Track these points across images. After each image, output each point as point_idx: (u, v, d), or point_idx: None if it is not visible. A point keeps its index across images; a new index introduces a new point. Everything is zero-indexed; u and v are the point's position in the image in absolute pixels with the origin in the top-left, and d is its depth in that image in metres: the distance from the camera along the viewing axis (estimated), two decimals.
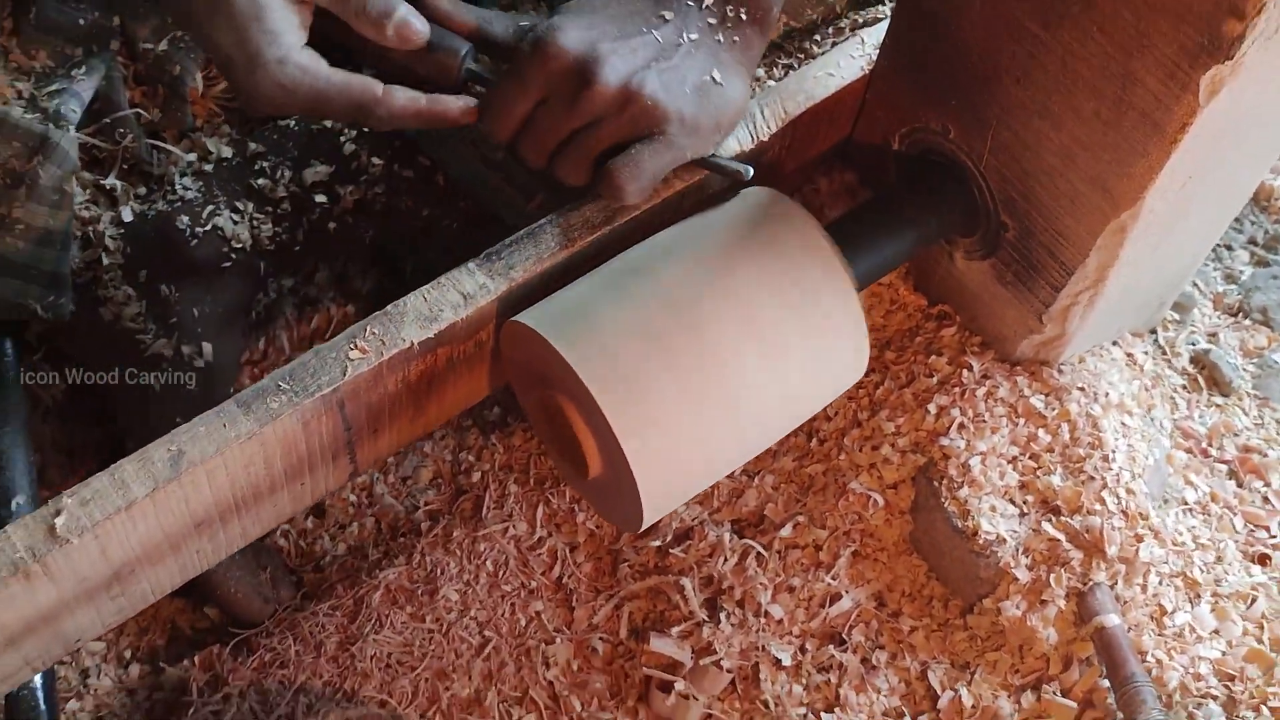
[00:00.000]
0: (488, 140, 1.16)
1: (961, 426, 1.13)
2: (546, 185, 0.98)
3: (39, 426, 1.20)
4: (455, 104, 0.96)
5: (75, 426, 1.23)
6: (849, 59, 1.11)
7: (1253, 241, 1.41)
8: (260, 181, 1.20)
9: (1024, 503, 1.11)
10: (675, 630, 1.15)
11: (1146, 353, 1.23)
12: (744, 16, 1.00)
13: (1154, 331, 1.28)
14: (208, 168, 1.22)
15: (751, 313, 0.95)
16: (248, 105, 0.93)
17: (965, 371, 1.15)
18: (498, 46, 0.99)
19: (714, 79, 0.98)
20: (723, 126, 1.01)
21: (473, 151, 1.19)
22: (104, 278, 1.20)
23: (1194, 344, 1.29)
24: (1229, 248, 1.40)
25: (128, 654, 1.18)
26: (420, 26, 0.95)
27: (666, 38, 0.97)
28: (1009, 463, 1.12)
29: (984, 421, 1.13)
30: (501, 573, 1.19)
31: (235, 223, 1.19)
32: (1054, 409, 1.13)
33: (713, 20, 0.99)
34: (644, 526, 0.98)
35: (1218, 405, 1.25)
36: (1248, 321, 1.32)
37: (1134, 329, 1.23)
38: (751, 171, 1.00)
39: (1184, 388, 1.25)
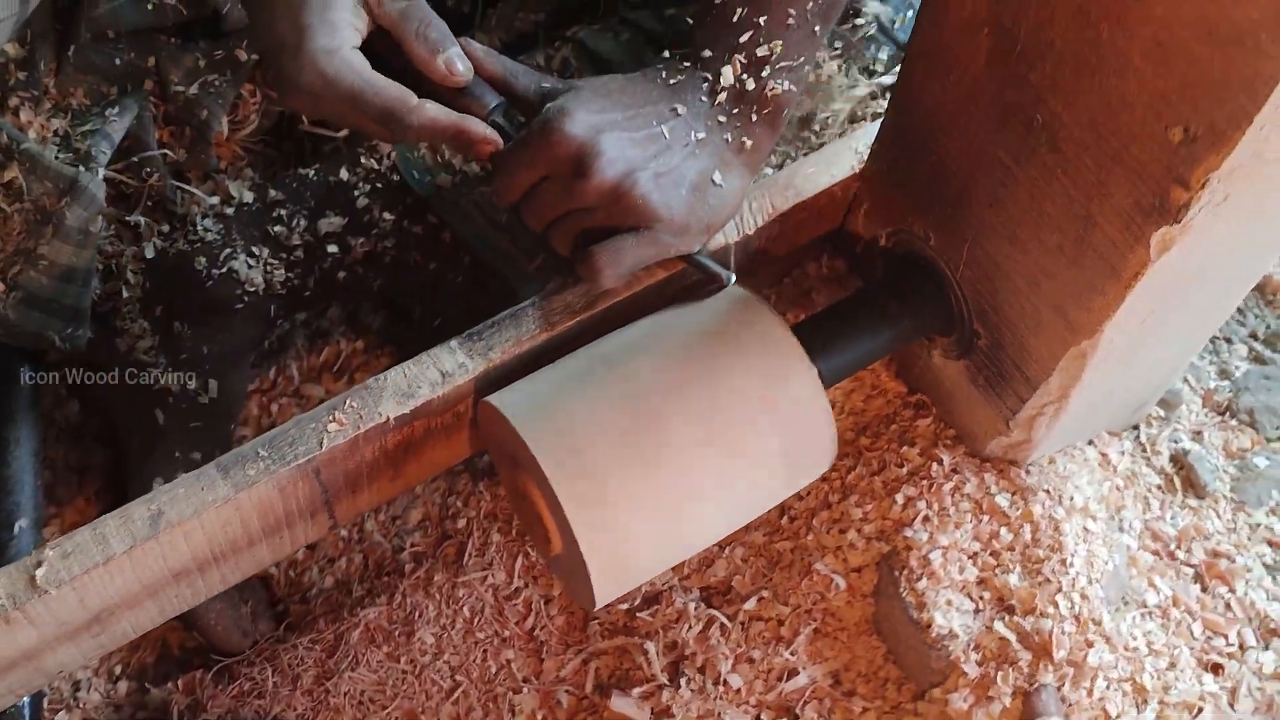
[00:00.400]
0: (493, 203, 1.20)
1: (926, 519, 1.16)
2: (548, 248, 1.02)
3: (52, 446, 1.26)
4: (480, 131, 0.99)
5: (86, 446, 1.29)
6: (840, 157, 1.14)
7: (1253, 336, 1.42)
8: (277, 229, 1.25)
9: (980, 599, 1.14)
10: (637, 691, 1.19)
11: (1124, 451, 1.25)
12: (754, 117, 1.03)
13: (1136, 428, 1.30)
14: (229, 211, 1.27)
15: (716, 413, 0.99)
16: (285, 93, 0.96)
17: (935, 464, 1.18)
18: (519, 101, 1.03)
19: (714, 180, 1.01)
20: (713, 227, 1.04)
21: (479, 213, 1.23)
22: (123, 309, 1.26)
23: (1176, 442, 1.31)
24: (1228, 340, 1.41)
25: (118, 669, 1.24)
26: (464, 67, 0.99)
27: (674, 134, 0.99)
28: (969, 558, 1.15)
29: (949, 516, 1.16)
30: (477, 620, 1.24)
31: (250, 267, 1.25)
32: (1018, 509, 1.16)
33: (723, 118, 1.02)
34: (597, 608, 1.02)
35: (1191, 507, 1.27)
36: (1234, 422, 1.34)
37: (1111, 429, 1.25)
38: (733, 279, 1.04)
39: (1159, 487, 1.27)
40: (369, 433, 1.01)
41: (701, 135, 1.01)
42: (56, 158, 1.21)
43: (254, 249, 1.25)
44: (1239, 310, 1.43)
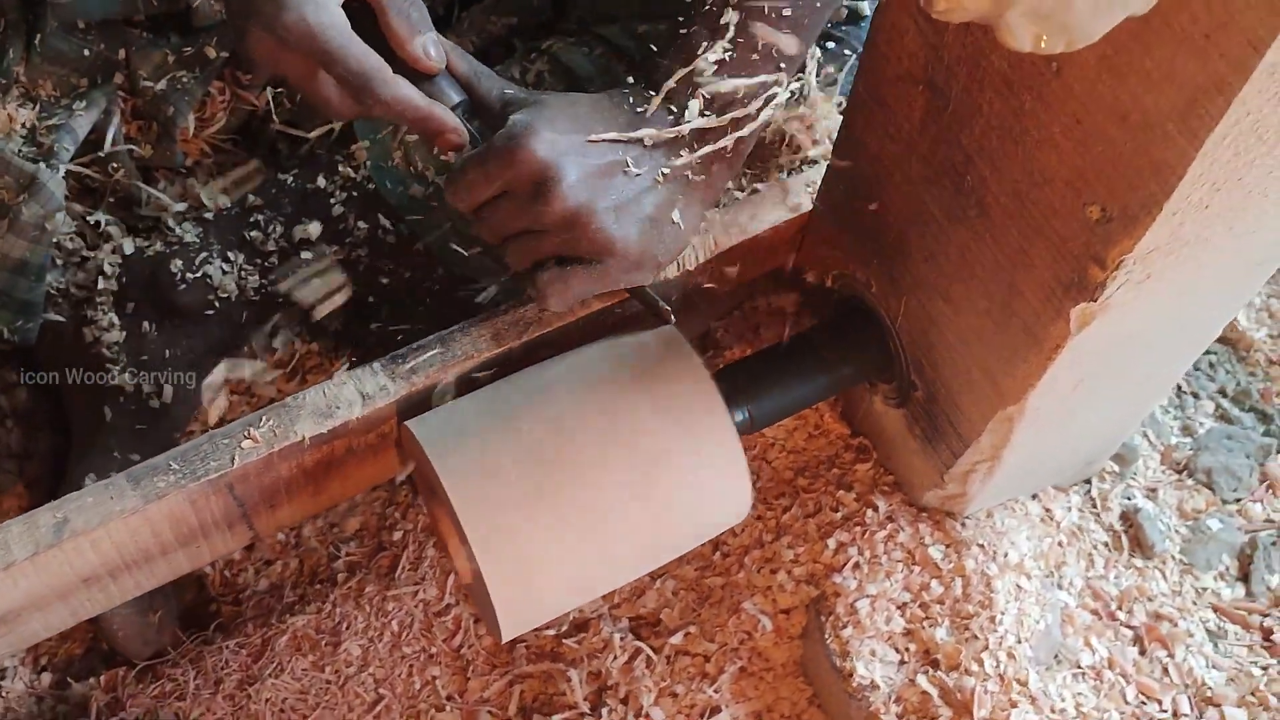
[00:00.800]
0: (457, 214, 1.19)
1: (857, 566, 1.15)
2: (502, 263, 1.01)
3: None
4: (450, 121, 0.98)
5: (29, 432, 1.29)
6: (791, 194, 1.12)
7: (1222, 392, 1.40)
8: (253, 234, 1.25)
9: (906, 650, 1.13)
10: (558, 717, 1.19)
11: (1070, 506, 1.23)
12: (715, 153, 1.01)
13: (1088, 482, 1.28)
14: (208, 216, 1.26)
15: (631, 455, 0.98)
16: (253, 30, 0.94)
17: (870, 511, 1.16)
18: (480, 104, 1.02)
19: (672, 217, 1.00)
20: (665, 263, 1.03)
21: (450, 225, 1.21)
22: (96, 300, 1.26)
23: (1129, 499, 1.29)
24: (1195, 395, 1.39)
25: (44, 660, 1.24)
26: (437, 55, 0.98)
27: (636, 163, 0.98)
28: (898, 609, 1.13)
29: (880, 564, 1.14)
30: (406, 634, 1.23)
31: (225, 273, 1.24)
32: (951, 562, 1.14)
33: (684, 152, 1.00)
34: (505, 640, 1.01)
35: (1137, 567, 1.25)
36: (1191, 481, 1.31)
37: (1059, 483, 1.23)
38: (673, 318, 1.02)
39: (1106, 544, 1.25)
40: (284, 451, 1.00)
41: (665, 170, 0.99)
42: (19, 152, 1.21)
43: (230, 254, 1.24)
44: (1209, 365, 1.41)
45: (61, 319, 1.24)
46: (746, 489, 1.02)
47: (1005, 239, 0.89)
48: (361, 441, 1.05)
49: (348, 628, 1.24)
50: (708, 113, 1.00)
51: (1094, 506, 1.27)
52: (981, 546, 1.15)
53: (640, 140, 0.99)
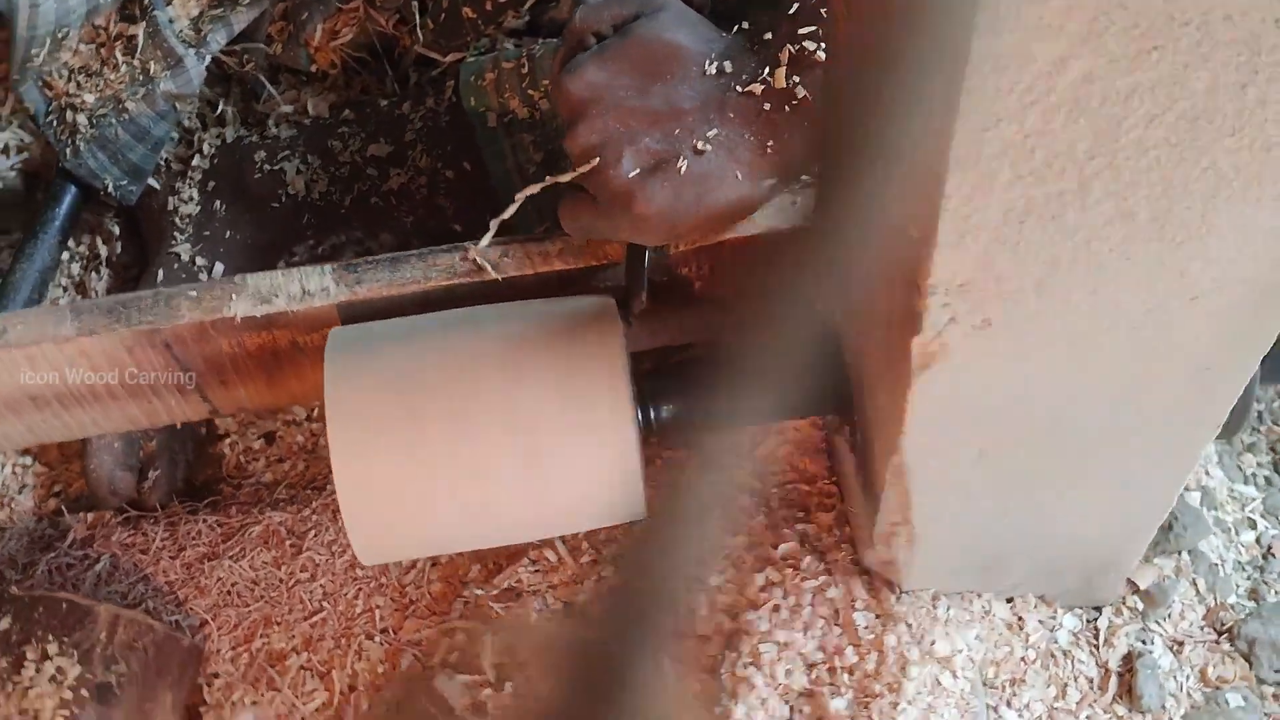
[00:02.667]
0: (527, 152, 1.21)
1: (776, 609, 1.08)
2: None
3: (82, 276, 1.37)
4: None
5: (127, 284, 1.39)
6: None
7: None
8: (334, 143, 1.31)
9: (799, 711, 1.05)
10: (465, 678, 1.17)
11: (1056, 625, 1.11)
12: (793, 124, 0.92)
13: (1099, 610, 1.14)
14: (306, 121, 1.34)
15: (519, 412, 0.96)
16: None
17: (810, 558, 1.09)
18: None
19: (720, 181, 0.92)
20: (688, 232, 0.94)
21: (513, 158, 1.23)
22: (188, 174, 1.35)
23: (1145, 643, 1.15)
24: (1270, 555, 1.22)
25: (57, 489, 1.33)
26: None
27: (698, 116, 0.92)
28: (806, 666, 1.05)
29: (800, 614, 1.07)
30: None
31: (299, 172, 1.31)
32: (873, 634, 1.05)
33: (758, 117, 0.91)
34: (363, 562, 1.01)
35: (1118, 715, 1.11)
36: (1228, 646, 1.15)
37: (1046, 596, 1.11)
38: (643, 304, 0.99)
39: (1090, 680, 1.12)
40: (217, 324, 1.04)
41: (726, 130, 0.91)
42: (179, 33, 1.32)
43: (309, 157, 1.31)
44: None
45: (157, 186, 1.34)
46: (638, 487, 0.97)
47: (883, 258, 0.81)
48: (308, 341, 1.08)
49: (315, 536, 1.27)
50: (795, 78, 0.91)
51: (1095, 637, 1.14)
52: (909, 626, 1.05)
53: (715, 93, 0.92)
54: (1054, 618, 1.11)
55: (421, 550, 1.02)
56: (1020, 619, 1.10)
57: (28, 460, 1.35)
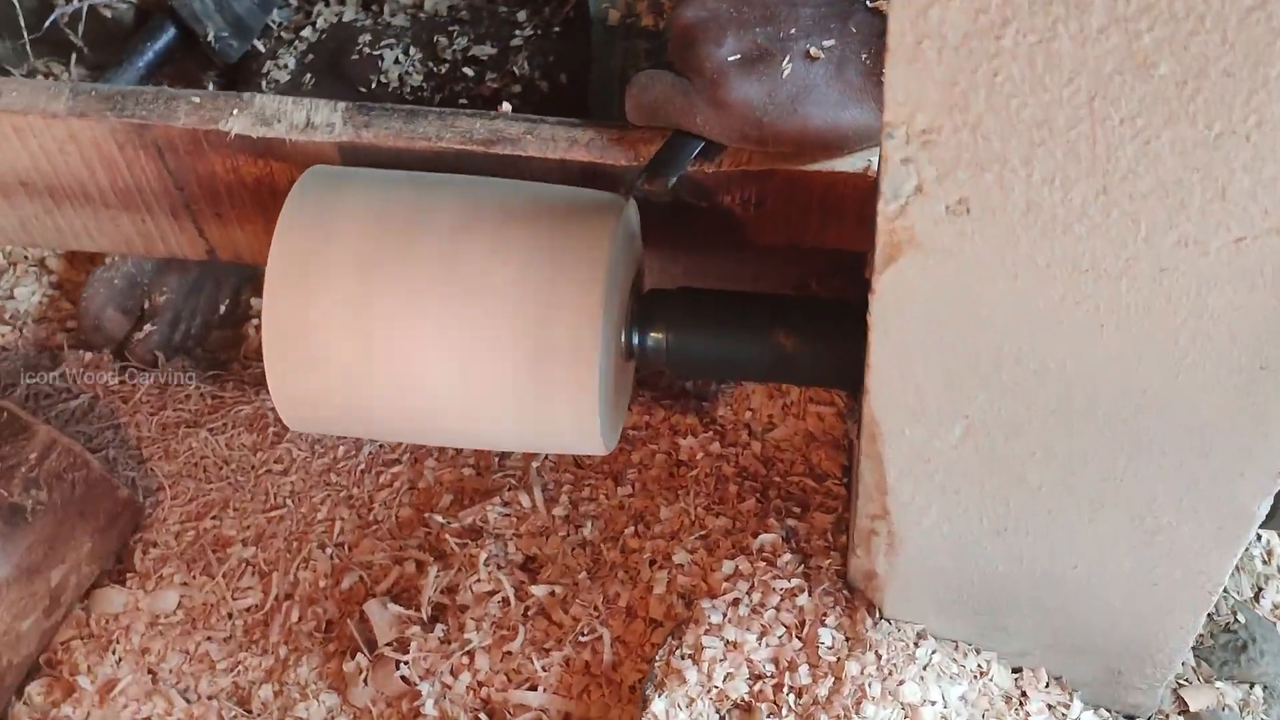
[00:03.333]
0: (637, 59, 1.12)
1: (735, 603, 0.91)
2: None
3: None
4: None
5: None
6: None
7: None
8: (440, 39, 1.24)
9: None
10: (398, 609, 1.04)
11: (1068, 714, 0.91)
12: None
13: None
14: (423, 15, 1.27)
15: (476, 294, 0.84)
16: None
17: (789, 556, 0.92)
18: None
19: (819, 93, 0.84)
20: (767, 137, 0.86)
21: (620, 63, 1.14)
22: (292, 44, 1.29)
23: None
24: None
25: (71, 324, 1.27)
26: None
27: (812, 22, 0.85)
28: (751, 676, 0.89)
29: (760, 615, 0.91)
30: (342, 465, 1.14)
31: (397, 62, 1.24)
32: (836, 656, 0.88)
33: (875, 38, 0.85)
34: (287, 423, 0.90)
35: None
36: None
37: (1055, 674, 0.91)
38: (661, 192, 0.87)
39: None
40: (212, 138, 0.95)
41: (843, 44, 0.85)
42: None
43: (412, 49, 1.24)
44: None
45: (262, 50, 1.28)
46: (593, 412, 0.84)
47: None
48: None
49: (302, 435, 1.16)
50: None
51: None
52: (879, 657, 0.87)
53: (838, 3, 0.86)
54: (1067, 707, 0.91)
55: (349, 425, 0.90)
56: (1024, 694, 0.90)
57: (54, 292, 1.29)
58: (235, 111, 0.95)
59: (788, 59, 0.84)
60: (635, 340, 0.89)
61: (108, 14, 1.30)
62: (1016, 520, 0.78)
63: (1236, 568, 1.00)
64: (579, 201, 0.88)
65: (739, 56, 0.84)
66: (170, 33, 1.27)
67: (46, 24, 1.28)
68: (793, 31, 0.84)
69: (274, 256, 0.85)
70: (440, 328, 0.83)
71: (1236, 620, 0.98)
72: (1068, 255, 0.60)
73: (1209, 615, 0.97)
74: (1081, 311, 0.63)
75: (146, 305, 1.21)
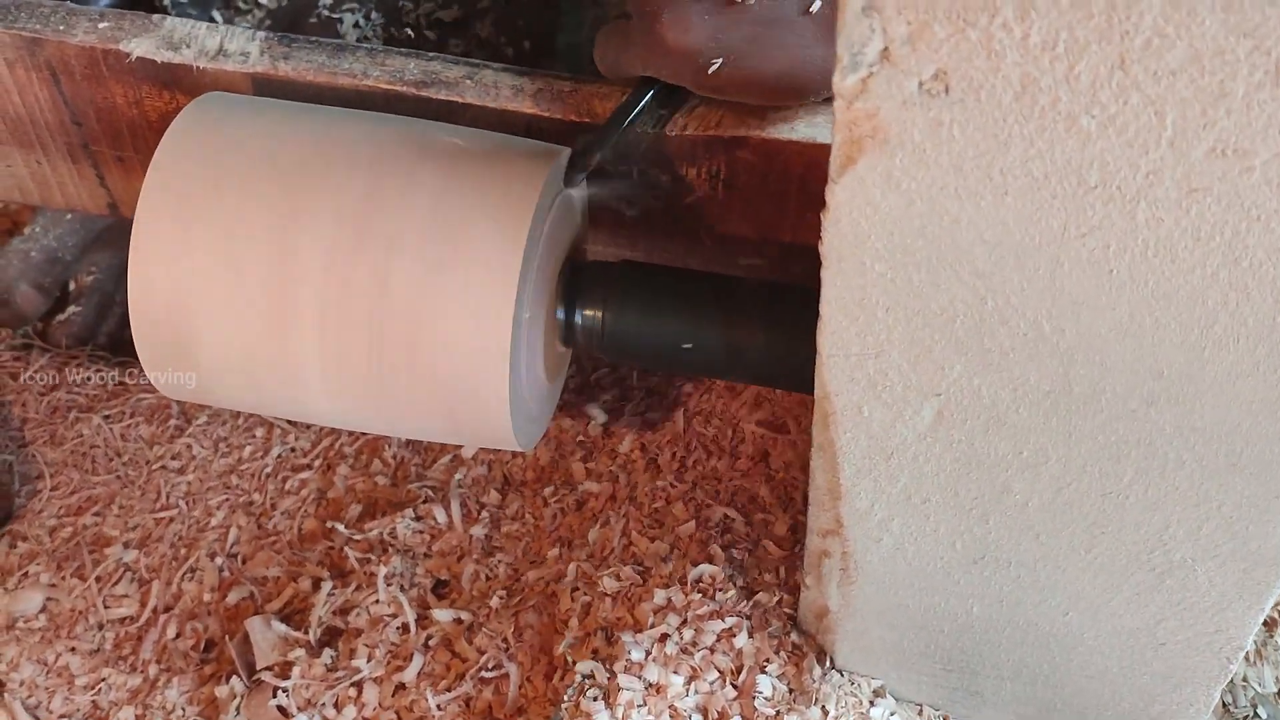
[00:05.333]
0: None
1: (663, 639, 0.77)
2: None
3: None
4: None
5: None
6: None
7: None
8: (404, 2, 1.13)
9: None
10: (283, 630, 0.90)
11: None
12: None
13: None
14: None
15: (380, 240, 0.71)
16: None
17: (731, 592, 0.78)
18: None
19: (794, 39, 0.72)
20: (724, 85, 0.73)
21: (586, 33, 1.04)
22: (254, 11, 1.18)
23: None
24: None
25: None
26: None
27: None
28: None
29: (689, 658, 0.76)
30: (247, 467, 1.01)
31: (356, 26, 1.13)
32: (773, 709, 0.73)
33: None
34: (154, 383, 0.77)
35: None
36: None
37: None
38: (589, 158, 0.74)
39: None
40: (111, 60, 0.83)
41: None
42: None
43: (373, 14, 1.13)
44: None
45: (219, 21, 1.17)
46: (502, 398, 0.70)
47: None
48: None
49: (206, 427, 1.03)
50: None
51: None
52: (825, 712, 0.72)
53: None
54: None
55: (220, 392, 0.76)
56: None
57: None
58: (140, 34, 0.83)
59: (752, 24, 0.71)
60: (565, 317, 0.75)
61: None
62: (997, 545, 0.63)
63: (1258, 655, 0.85)
64: (510, 145, 0.75)
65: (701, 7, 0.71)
66: None
67: None
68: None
69: (146, 190, 0.72)
70: (330, 273, 0.70)
71: (1256, 715, 0.82)
72: (1072, 164, 0.46)
73: (1223, 704, 0.82)
74: (1086, 249, 0.49)
75: (72, 285, 1.08)
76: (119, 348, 1.11)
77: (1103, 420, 0.56)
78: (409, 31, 1.11)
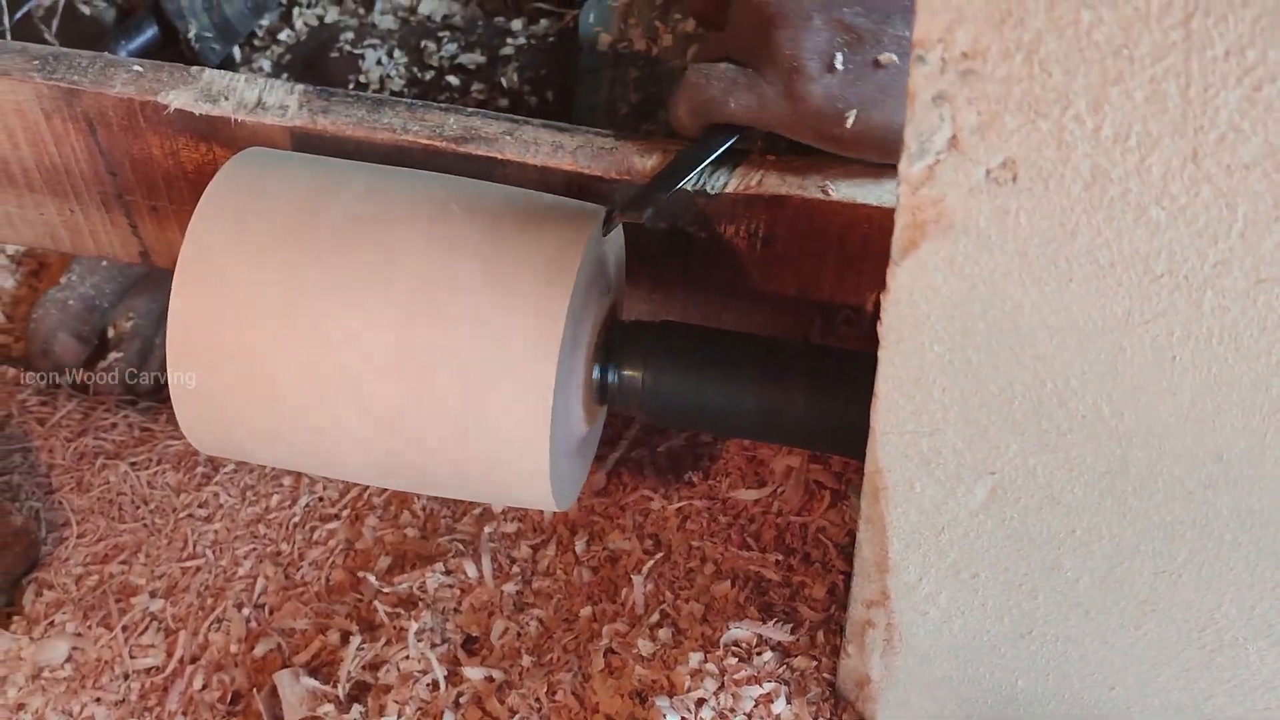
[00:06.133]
0: (625, 89, 1.01)
1: (699, 704, 0.76)
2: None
3: None
4: None
5: None
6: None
7: None
8: (428, 44, 1.13)
9: None
10: (312, 682, 0.89)
11: None
12: None
13: None
14: (413, 19, 1.17)
15: (423, 300, 0.71)
16: None
17: (768, 654, 0.77)
18: None
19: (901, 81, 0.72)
20: (850, 139, 0.73)
21: (608, 92, 1.03)
22: (270, 48, 1.19)
23: None
24: None
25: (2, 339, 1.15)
26: None
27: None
28: None
29: None
30: (275, 517, 1.00)
31: (379, 64, 1.13)
32: None
33: None
34: (193, 443, 0.77)
35: None
36: None
37: None
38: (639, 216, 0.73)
39: None
40: (149, 111, 0.83)
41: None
42: None
43: (396, 53, 1.13)
44: None
45: (237, 59, 1.17)
46: (541, 455, 0.70)
47: None
48: None
49: (233, 475, 1.03)
50: None
51: None
52: None
53: None
54: None
55: (252, 447, 0.75)
56: None
57: None
58: (179, 86, 0.83)
59: (885, 41, 0.71)
60: (605, 377, 0.75)
61: (86, 10, 1.20)
62: (1045, 621, 0.62)
63: None
64: (553, 206, 0.75)
65: (825, 40, 0.71)
66: (150, 32, 1.17)
67: (17, 16, 1.18)
68: (892, 15, 0.72)
69: (187, 246, 0.72)
70: (372, 334, 0.70)
71: None
72: (1139, 252, 0.46)
73: None
74: (1150, 335, 0.49)
75: (111, 332, 1.08)
76: (162, 392, 1.11)
77: (1159, 501, 0.55)
78: (431, 73, 1.11)
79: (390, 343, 0.69)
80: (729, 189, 0.78)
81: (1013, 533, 0.58)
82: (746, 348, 0.74)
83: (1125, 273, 0.47)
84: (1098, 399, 0.52)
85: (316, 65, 1.12)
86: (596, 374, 0.75)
